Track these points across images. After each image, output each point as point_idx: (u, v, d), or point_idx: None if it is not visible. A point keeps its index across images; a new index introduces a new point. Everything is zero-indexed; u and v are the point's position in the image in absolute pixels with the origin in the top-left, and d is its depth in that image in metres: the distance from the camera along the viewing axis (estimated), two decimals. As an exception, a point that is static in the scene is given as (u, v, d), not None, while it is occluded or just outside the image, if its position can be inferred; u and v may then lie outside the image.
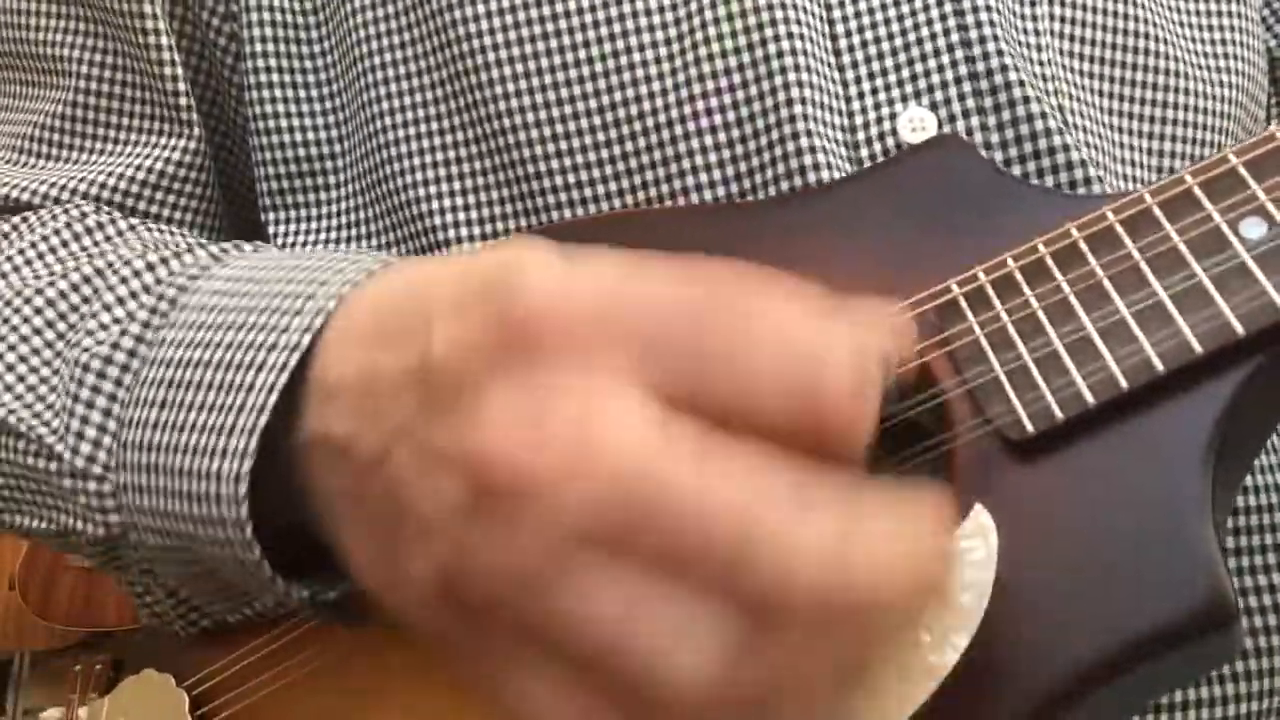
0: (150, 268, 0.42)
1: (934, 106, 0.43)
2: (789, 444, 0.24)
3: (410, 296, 0.30)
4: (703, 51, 0.44)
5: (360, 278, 0.33)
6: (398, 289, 0.31)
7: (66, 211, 0.49)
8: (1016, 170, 0.42)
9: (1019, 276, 0.34)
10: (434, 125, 0.47)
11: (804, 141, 0.42)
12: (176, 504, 0.35)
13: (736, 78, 0.43)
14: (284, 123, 0.51)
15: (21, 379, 0.42)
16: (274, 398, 0.32)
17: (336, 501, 0.30)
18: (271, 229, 0.52)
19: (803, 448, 0.25)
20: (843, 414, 0.24)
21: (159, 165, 0.52)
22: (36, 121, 0.53)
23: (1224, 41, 0.49)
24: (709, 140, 0.44)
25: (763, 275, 0.26)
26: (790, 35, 0.43)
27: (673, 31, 0.45)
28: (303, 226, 0.51)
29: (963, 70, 0.43)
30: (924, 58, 0.43)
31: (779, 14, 0.44)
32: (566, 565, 0.24)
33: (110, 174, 0.51)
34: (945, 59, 0.43)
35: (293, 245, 0.52)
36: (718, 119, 0.44)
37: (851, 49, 0.44)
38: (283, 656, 0.41)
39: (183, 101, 0.52)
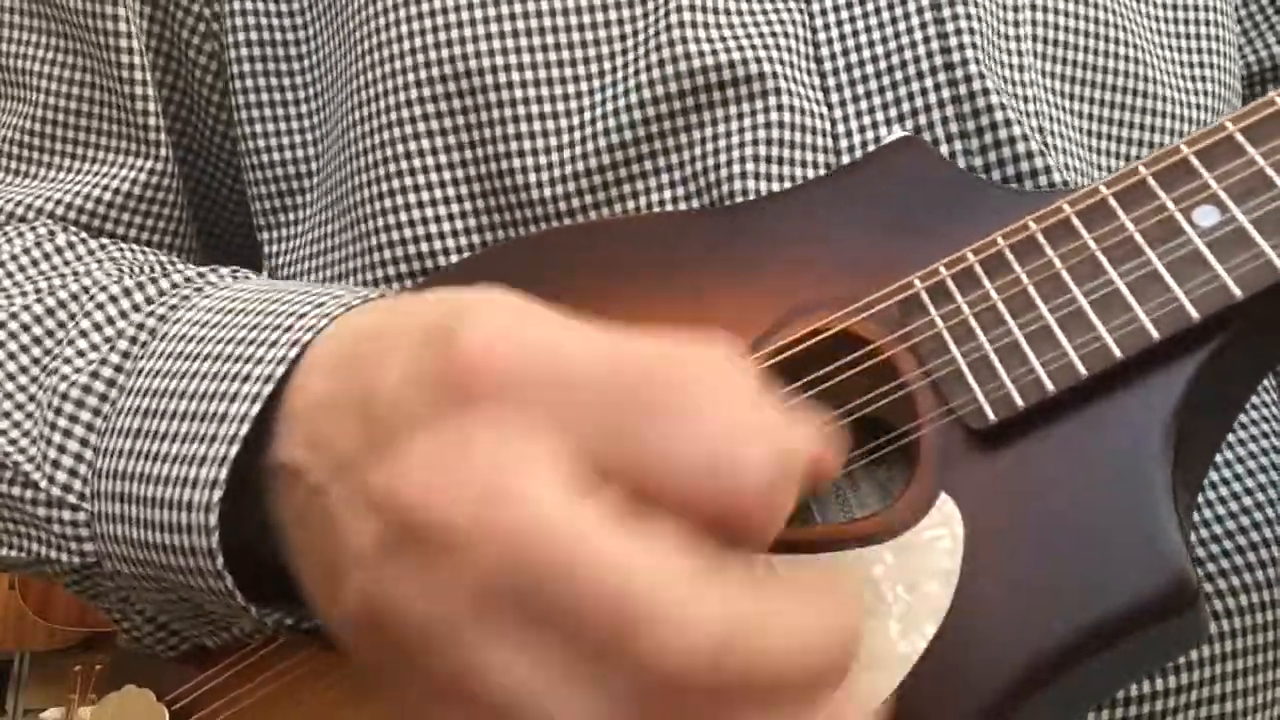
0: (127, 293, 0.42)
1: (918, 129, 0.43)
2: (702, 528, 0.25)
3: (375, 333, 0.30)
4: (682, 67, 0.44)
5: (338, 312, 0.34)
6: (367, 324, 0.32)
7: (34, 230, 0.49)
8: (998, 182, 0.43)
9: (979, 270, 0.35)
10: (425, 143, 0.47)
11: (785, 170, 0.43)
12: (149, 533, 0.35)
13: (716, 96, 0.44)
14: (272, 141, 0.51)
15: None
16: (245, 427, 0.33)
17: (289, 526, 0.30)
18: (266, 248, 0.53)
19: (715, 534, 0.25)
20: (756, 512, 0.24)
21: (125, 186, 0.52)
22: (1, 135, 0.53)
23: (1201, 64, 0.50)
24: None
25: (710, 352, 0.26)
26: (772, 60, 0.44)
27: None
28: (291, 244, 0.52)
29: (945, 93, 0.43)
30: (908, 80, 0.44)
31: (766, 39, 0.44)
32: (468, 618, 0.24)
33: (75, 193, 0.51)
34: (929, 81, 0.43)
35: (284, 263, 0.52)
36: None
37: (836, 72, 0.45)
38: (263, 668, 0.41)
39: (151, 121, 0.52)
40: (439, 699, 0.25)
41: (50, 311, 0.43)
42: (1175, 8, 0.50)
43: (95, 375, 0.40)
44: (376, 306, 0.33)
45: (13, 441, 0.41)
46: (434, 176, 0.46)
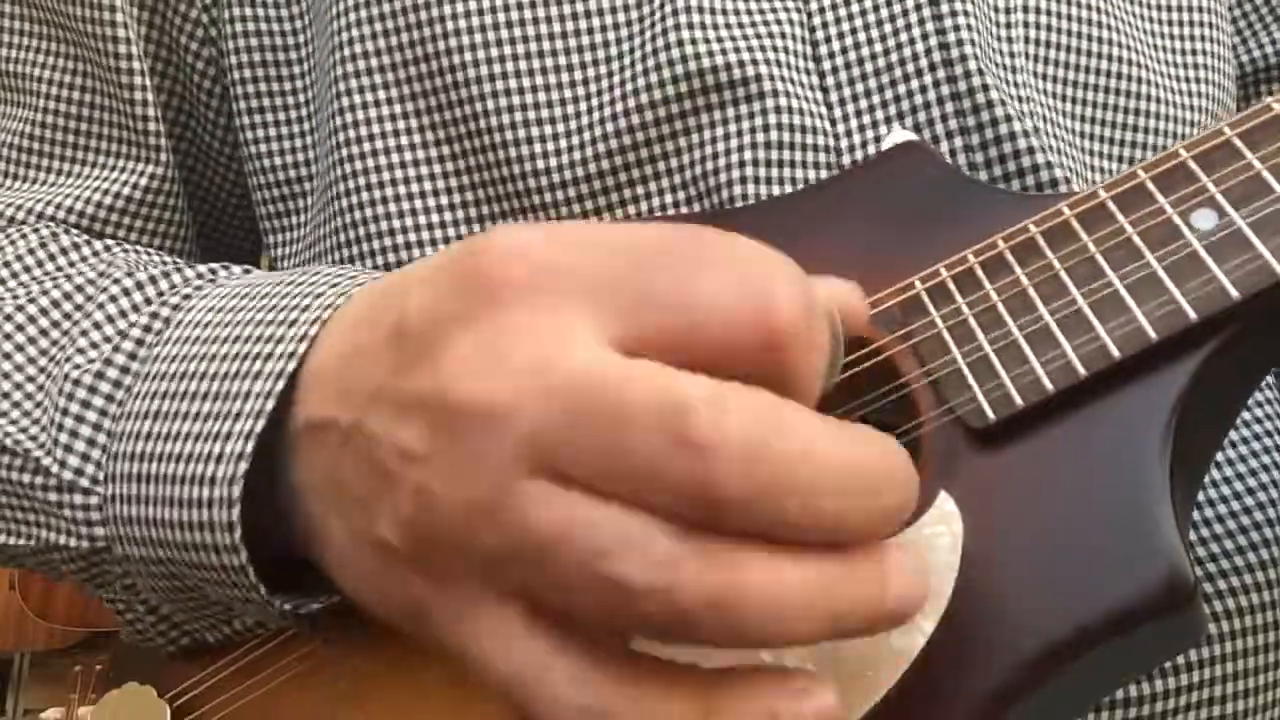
0: (139, 286, 0.43)
1: (917, 127, 0.43)
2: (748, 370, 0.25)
3: (391, 286, 0.31)
4: (680, 69, 0.44)
5: (352, 289, 0.34)
6: (378, 288, 0.33)
7: (37, 231, 0.49)
8: (999, 186, 0.43)
9: (979, 271, 0.35)
10: (407, 139, 0.47)
11: (786, 171, 0.43)
12: (166, 511, 0.36)
13: (714, 99, 0.44)
14: (273, 145, 0.51)
15: (6, 395, 0.42)
16: (271, 403, 0.33)
17: (317, 487, 0.30)
18: (272, 250, 0.53)
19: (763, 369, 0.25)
20: (793, 343, 0.24)
21: (125, 190, 0.52)
22: (1, 140, 0.54)
23: (1195, 65, 0.50)
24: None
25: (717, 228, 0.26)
26: (770, 61, 0.44)
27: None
28: (295, 247, 0.52)
29: (945, 91, 0.44)
30: (906, 79, 0.44)
31: (764, 40, 0.44)
32: (519, 484, 0.24)
33: (76, 197, 0.51)
34: (928, 79, 0.44)
35: (289, 264, 0.52)
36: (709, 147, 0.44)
37: (835, 71, 0.45)
38: (264, 664, 0.41)
39: (151, 127, 0.52)
40: (493, 602, 0.25)
41: (56, 303, 0.44)
42: (1168, 8, 0.50)
43: (109, 363, 0.40)
44: (389, 276, 0.34)
45: (23, 429, 0.41)
46: (414, 171, 0.47)
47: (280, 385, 0.33)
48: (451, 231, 0.47)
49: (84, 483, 0.39)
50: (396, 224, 0.47)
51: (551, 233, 0.26)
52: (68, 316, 0.43)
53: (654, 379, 0.23)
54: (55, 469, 0.40)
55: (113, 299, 0.43)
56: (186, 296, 0.41)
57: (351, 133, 0.47)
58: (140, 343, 0.40)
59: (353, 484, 0.28)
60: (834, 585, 0.24)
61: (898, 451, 0.25)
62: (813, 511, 0.23)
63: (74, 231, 0.50)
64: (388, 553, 0.27)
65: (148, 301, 0.42)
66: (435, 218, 0.47)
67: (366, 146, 0.47)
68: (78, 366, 0.41)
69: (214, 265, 0.44)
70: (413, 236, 0.47)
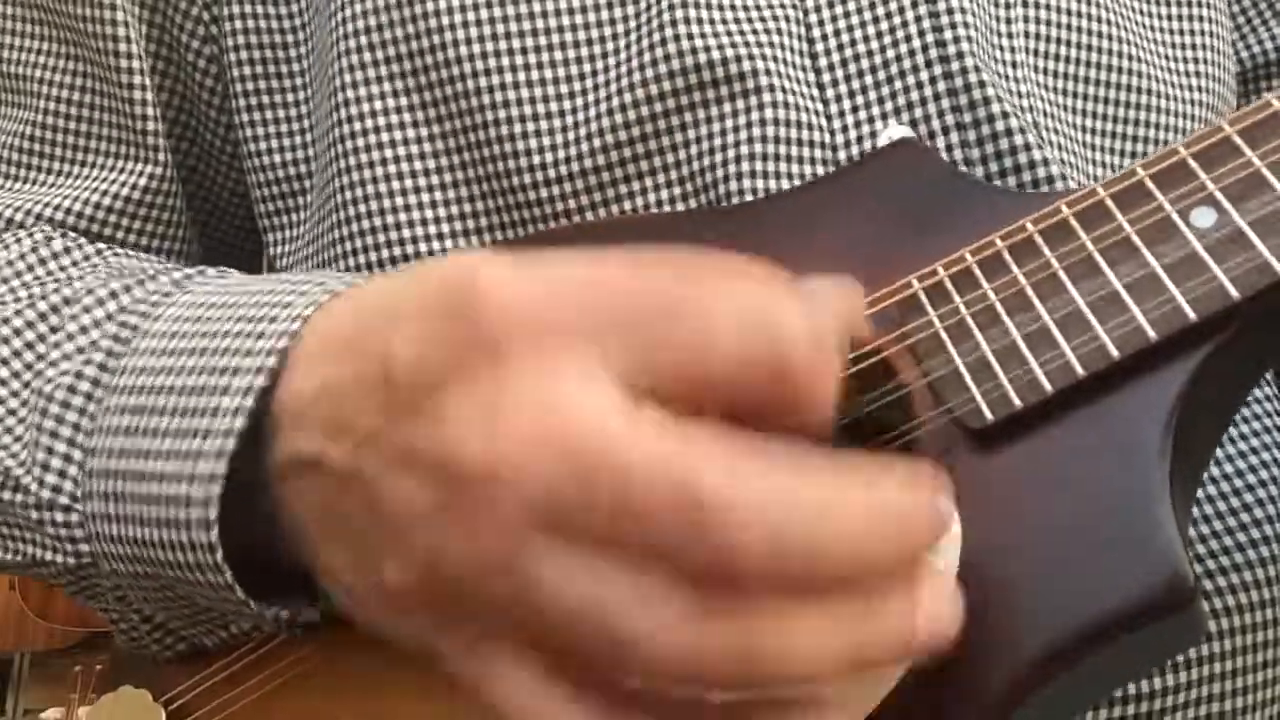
0: (113, 295, 0.42)
1: (913, 124, 0.43)
2: (760, 423, 0.24)
3: (372, 310, 0.30)
4: (675, 64, 0.44)
5: (324, 298, 0.33)
6: (360, 305, 0.32)
7: (31, 236, 0.49)
8: (995, 185, 0.43)
9: (977, 271, 0.35)
10: (402, 134, 0.47)
11: (782, 166, 0.43)
12: (145, 531, 0.35)
13: (710, 94, 0.44)
14: (273, 144, 0.51)
15: None
16: (240, 422, 0.33)
17: (311, 519, 0.30)
18: (270, 249, 0.53)
19: (774, 424, 0.25)
20: (805, 373, 0.24)
21: (124, 191, 0.52)
22: (1, 141, 0.53)
23: (1196, 60, 0.50)
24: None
25: (713, 258, 0.26)
26: (766, 56, 0.44)
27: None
28: (293, 246, 0.52)
29: (941, 87, 0.43)
30: (903, 74, 0.44)
31: (759, 35, 0.44)
32: (530, 545, 0.24)
33: (75, 199, 0.51)
34: (924, 75, 0.44)
35: (287, 265, 0.52)
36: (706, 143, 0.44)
37: (832, 67, 0.45)
38: (259, 668, 0.41)
39: (150, 127, 0.52)
40: (504, 650, 0.25)
41: (42, 316, 0.44)
42: (1169, 3, 0.50)
43: (79, 376, 0.40)
44: (364, 288, 0.33)
45: (3, 446, 0.41)
46: (411, 168, 0.46)
47: (249, 402, 0.32)
48: (445, 227, 0.46)
49: (63, 500, 0.39)
50: (391, 220, 0.46)
51: (549, 281, 0.26)
52: (52, 330, 0.43)
53: (663, 442, 0.23)
54: (34, 487, 0.39)
55: (86, 309, 0.42)
56: (155, 304, 0.40)
57: (349, 129, 0.47)
58: (110, 353, 0.40)
59: (355, 525, 0.28)
60: (861, 627, 0.24)
61: (918, 485, 0.25)
62: (836, 567, 0.23)
63: (69, 235, 0.50)
64: (395, 594, 0.27)
65: (121, 309, 0.42)
66: (431, 213, 0.46)
67: (362, 142, 0.47)
68: (49, 381, 0.40)
69: (190, 270, 0.44)
70: (407, 233, 0.46)
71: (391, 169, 0.47)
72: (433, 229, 0.46)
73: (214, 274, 0.43)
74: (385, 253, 0.46)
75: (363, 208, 0.47)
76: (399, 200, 0.46)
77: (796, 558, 0.23)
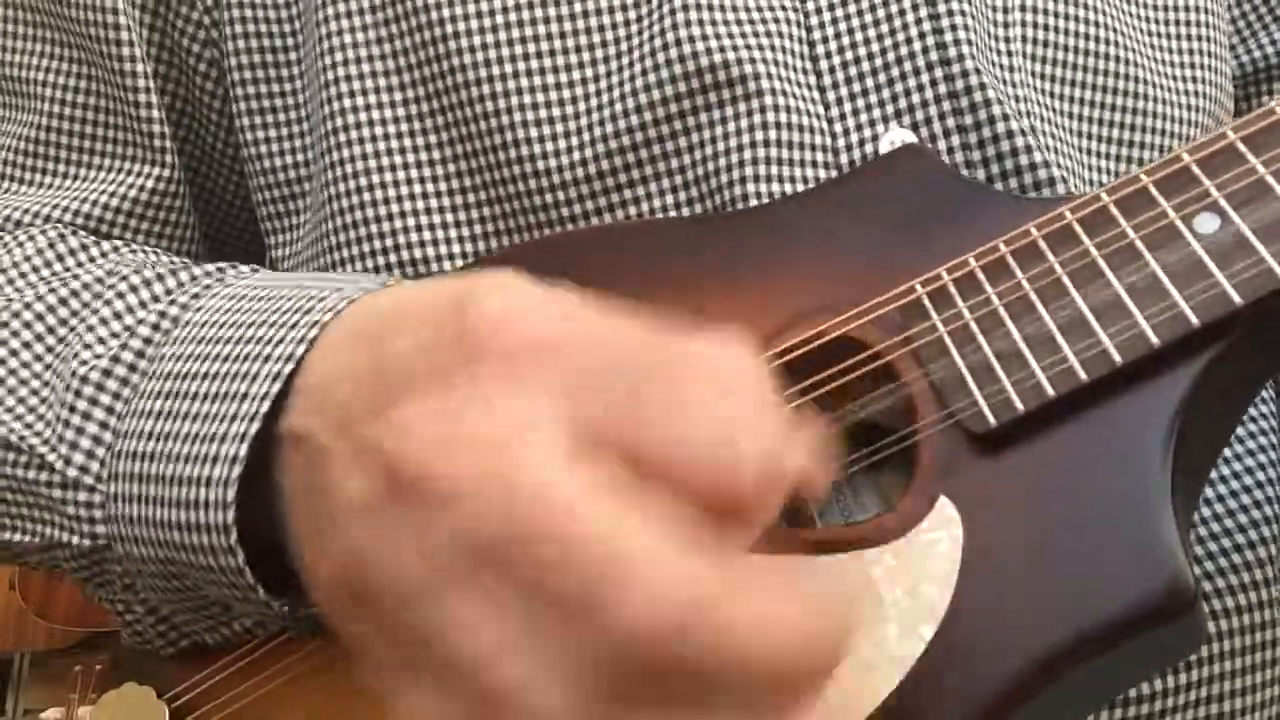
0: (147, 283, 0.43)
1: (914, 126, 0.43)
2: (698, 505, 0.24)
3: (392, 310, 0.31)
4: (678, 68, 0.44)
5: (357, 295, 0.34)
6: (385, 303, 0.32)
7: (45, 233, 0.49)
8: (997, 188, 0.43)
9: (981, 275, 0.35)
10: (407, 141, 0.47)
11: (785, 170, 0.43)
12: (165, 511, 0.36)
13: (713, 98, 0.44)
14: (273, 146, 0.51)
15: (12, 391, 0.42)
16: (266, 405, 0.33)
17: (291, 494, 0.30)
18: (271, 251, 0.53)
19: (711, 512, 0.25)
20: (755, 501, 0.24)
21: (133, 193, 0.52)
22: (6, 145, 0.54)
23: (1193, 65, 0.50)
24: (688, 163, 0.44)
25: (726, 347, 0.26)
26: (767, 60, 0.44)
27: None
28: (294, 247, 0.52)
29: (942, 89, 0.43)
30: (904, 77, 0.44)
31: (760, 39, 0.44)
32: (446, 575, 0.24)
33: (84, 200, 0.51)
34: (925, 78, 0.44)
35: (288, 268, 0.52)
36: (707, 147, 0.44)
37: (833, 70, 0.45)
38: (262, 666, 0.41)
39: (156, 129, 0.52)
40: (407, 664, 0.25)
41: (64, 301, 0.44)
42: (1166, 9, 0.50)
43: (116, 360, 0.40)
44: (395, 289, 0.33)
45: (28, 425, 0.41)
46: (406, 170, 0.46)
47: (275, 387, 0.33)
48: (443, 233, 0.46)
49: (88, 480, 0.39)
50: (388, 226, 0.46)
51: (545, 305, 0.26)
52: (75, 314, 0.44)
53: (599, 520, 0.23)
54: (60, 465, 0.40)
55: (120, 295, 0.43)
56: (195, 295, 0.41)
57: (342, 129, 0.47)
58: (149, 340, 0.40)
59: (314, 505, 0.28)
60: None
61: (836, 600, 0.24)
62: (733, 673, 0.23)
63: (81, 233, 0.50)
64: (327, 583, 0.27)
65: (155, 299, 0.42)
66: (429, 219, 0.47)
67: (358, 149, 0.47)
68: (84, 363, 0.41)
69: (222, 264, 0.44)
70: (403, 239, 0.46)
71: (387, 173, 0.47)
72: (428, 234, 0.46)
73: (247, 269, 0.44)
74: (382, 259, 0.46)
75: (359, 214, 0.47)
76: (394, 207, 0.46)
77: (695, 652, 0.22)
